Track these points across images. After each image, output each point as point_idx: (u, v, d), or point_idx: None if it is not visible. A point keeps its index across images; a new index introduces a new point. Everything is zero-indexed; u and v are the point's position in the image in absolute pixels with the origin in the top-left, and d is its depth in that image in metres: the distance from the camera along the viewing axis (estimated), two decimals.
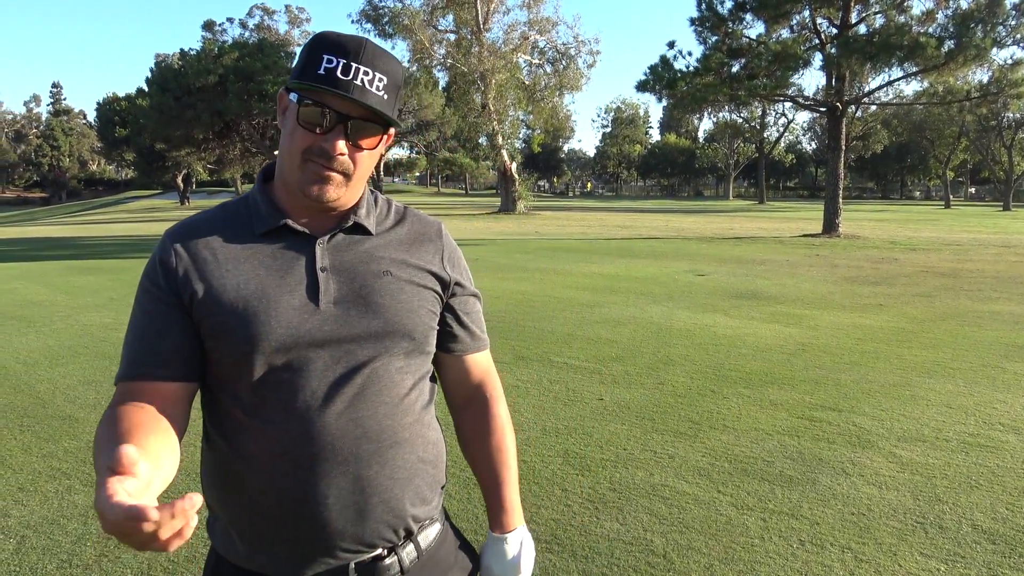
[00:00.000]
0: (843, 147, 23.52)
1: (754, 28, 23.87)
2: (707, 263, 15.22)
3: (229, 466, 1.19)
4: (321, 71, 1.13)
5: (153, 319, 1.18)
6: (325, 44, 1.15)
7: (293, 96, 1.17)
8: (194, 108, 36.89)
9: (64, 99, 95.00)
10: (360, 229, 1.25)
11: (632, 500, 3.65)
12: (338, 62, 1.13)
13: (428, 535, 1.28)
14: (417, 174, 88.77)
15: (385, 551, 1.22)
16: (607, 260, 15.87)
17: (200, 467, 1.27)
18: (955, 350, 6.92)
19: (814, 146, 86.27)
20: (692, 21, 23.58)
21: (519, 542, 1.37)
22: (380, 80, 1.15)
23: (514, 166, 41.15)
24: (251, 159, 48.63)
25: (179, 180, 60.52)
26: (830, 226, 22.93)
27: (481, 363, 1.42)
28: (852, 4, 22.01)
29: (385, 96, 1.16)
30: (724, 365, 6.36)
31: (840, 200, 23.24)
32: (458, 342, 1.36)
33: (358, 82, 1.13)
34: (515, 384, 5.72)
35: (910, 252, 17.66)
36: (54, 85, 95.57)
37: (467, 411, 1.41)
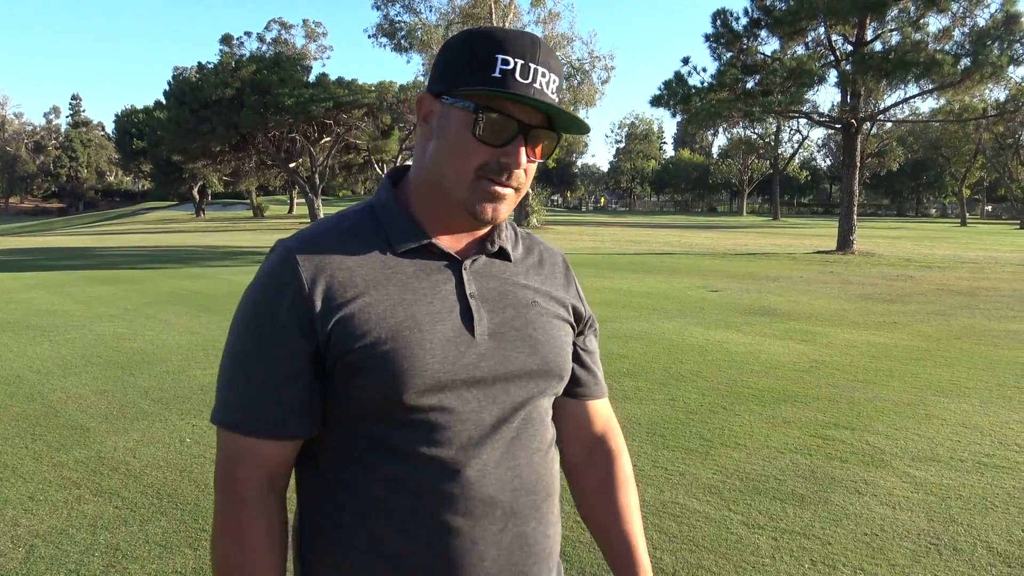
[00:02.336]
0: (858, 164, 23.48)
1: (769, 44, 24.02)
2: (720, 279, 15.17)
3: (354, 525, 1.01)
4: (497, 73, 0.96)
5: (275, 361, 0.98)
6: (495, 42, 0.98)
7: (455, 101, 0.99)
8: (210, 121, 37.28)
9: (83, 111, 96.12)
10: (502, 254, 1.10)
11: (642, 517, 3.61)
12: (515, 63, 0.97)
13: None
14: None
15: None
16: (620, 275, 15.84)
17: (295, 522, 1.09)
18: (970, 369, 6.85)
19: (829, 163, 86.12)
20: (707, 37, 23.70)
21: None
22: (554, 81, 1.01)
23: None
24: (266, 171, 49.09)
25: (195, 192, 61.09)
26: (844, 243, 22.85)
27: (603, 411, 1.25)
28: (868, 21, 22.04)
29: (557, 99, 1.02)
30: (736, 382, 6.32)
31: (855, 217, 23.18)
32: (580, 385, 1.20)
33: (538, 85, 0.98)
34: None
35: (925, 270, 17.54)
36: (73, 97, 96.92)
37: (589, 465, 1.24)
